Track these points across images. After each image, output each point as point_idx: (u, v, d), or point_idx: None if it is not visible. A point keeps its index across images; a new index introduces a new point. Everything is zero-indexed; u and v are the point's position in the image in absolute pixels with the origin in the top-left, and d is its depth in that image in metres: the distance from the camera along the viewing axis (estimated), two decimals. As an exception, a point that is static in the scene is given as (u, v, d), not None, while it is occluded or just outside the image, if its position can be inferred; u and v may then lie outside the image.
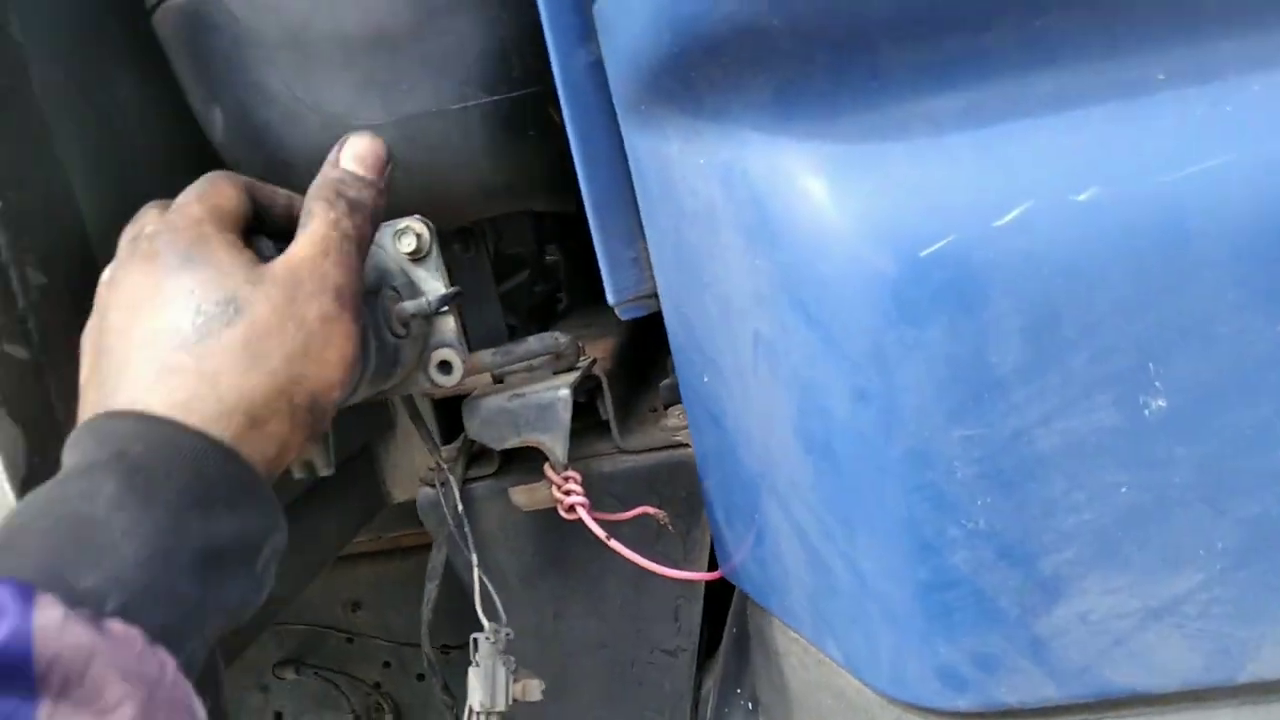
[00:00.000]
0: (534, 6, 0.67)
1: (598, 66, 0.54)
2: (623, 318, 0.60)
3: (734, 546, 0.61)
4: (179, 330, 0.46)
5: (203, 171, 0.54)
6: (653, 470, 0.73)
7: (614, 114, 0.55)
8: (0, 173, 0.55)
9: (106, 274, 0.51)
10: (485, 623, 0.65)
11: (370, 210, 0.54)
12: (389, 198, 0.56)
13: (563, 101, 0.55)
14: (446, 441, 0.85)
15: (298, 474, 0.63)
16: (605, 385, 0.73)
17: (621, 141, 0.55)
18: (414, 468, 1.05)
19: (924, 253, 0.40)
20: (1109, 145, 0.40)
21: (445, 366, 0.61)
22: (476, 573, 0.67)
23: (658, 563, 0.66)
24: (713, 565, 0.73)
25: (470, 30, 0.66)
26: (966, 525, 0.43)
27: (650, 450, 0.74)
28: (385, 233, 0.60)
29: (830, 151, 0.43)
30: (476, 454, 0.78)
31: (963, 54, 0.41)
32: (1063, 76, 0.41)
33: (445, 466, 0.69)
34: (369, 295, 0.56)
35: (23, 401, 0.56)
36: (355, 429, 0.93)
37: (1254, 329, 0.39)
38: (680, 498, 0.73)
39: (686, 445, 0.73)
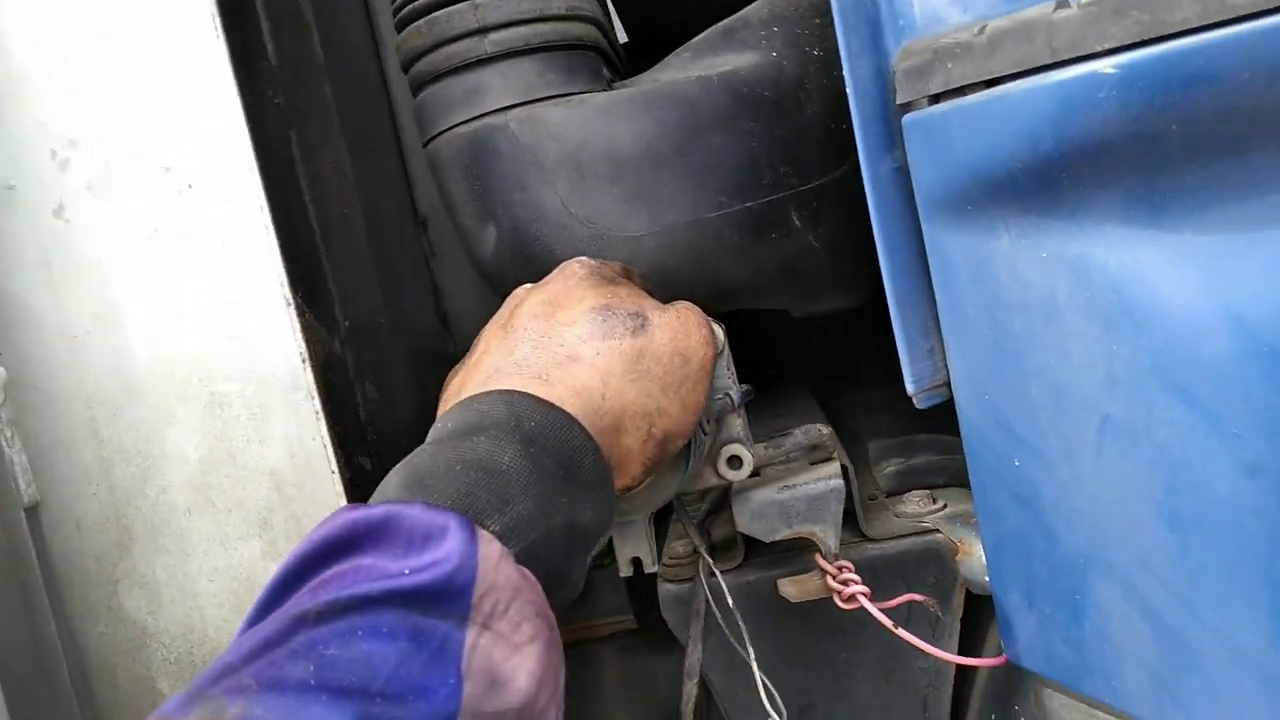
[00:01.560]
0: (783, 121, 0.72)
1: (901, 171, 0.58)
2: (920, 406, 0.62)
3: (1036, 630, 0.61)
4: (589, 326, 0.52)
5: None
6: (902, 557, 0.74)
7: (914, 214, 0.58)
8: (344, 295, 0.59)
9: (522, 290, 0.57)
10: (773, 715, 0.65)
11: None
12: None
13: (870, 204, 0.58)
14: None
15: (624, 572, 0.64)
16: (851, 475, 0.74)
17: (920, 239, 0.59)
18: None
19: (1318, 332, 0.43)
20: None
21: (735, 461, 0.64)
22: (756, 670, 0.67)
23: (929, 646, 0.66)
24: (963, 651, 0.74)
25: (728, 145, 0.71)
26: (1367, 594, 0.44)
27: (897, 537, 0.75)
28: (682, 333, 0.63)
29: (1201, 242, 0.46)
30: (712, 548, 0.79)
31: (1332, 150, 0.44)
32: None
33: (711, 562, 0.71)
34: None
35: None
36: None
37: None
38: (930, 583, 0.74)
39: (935, 531, 0.74)
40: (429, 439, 0.47)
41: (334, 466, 0.56)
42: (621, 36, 1.60)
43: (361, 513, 0.39)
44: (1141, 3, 0.41)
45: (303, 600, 0.36)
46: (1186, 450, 0.47)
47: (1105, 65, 0.43)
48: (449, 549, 0.38)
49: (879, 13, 0.57)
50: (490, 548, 0.40)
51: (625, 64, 0.93)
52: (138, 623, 0.59)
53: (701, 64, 0.73)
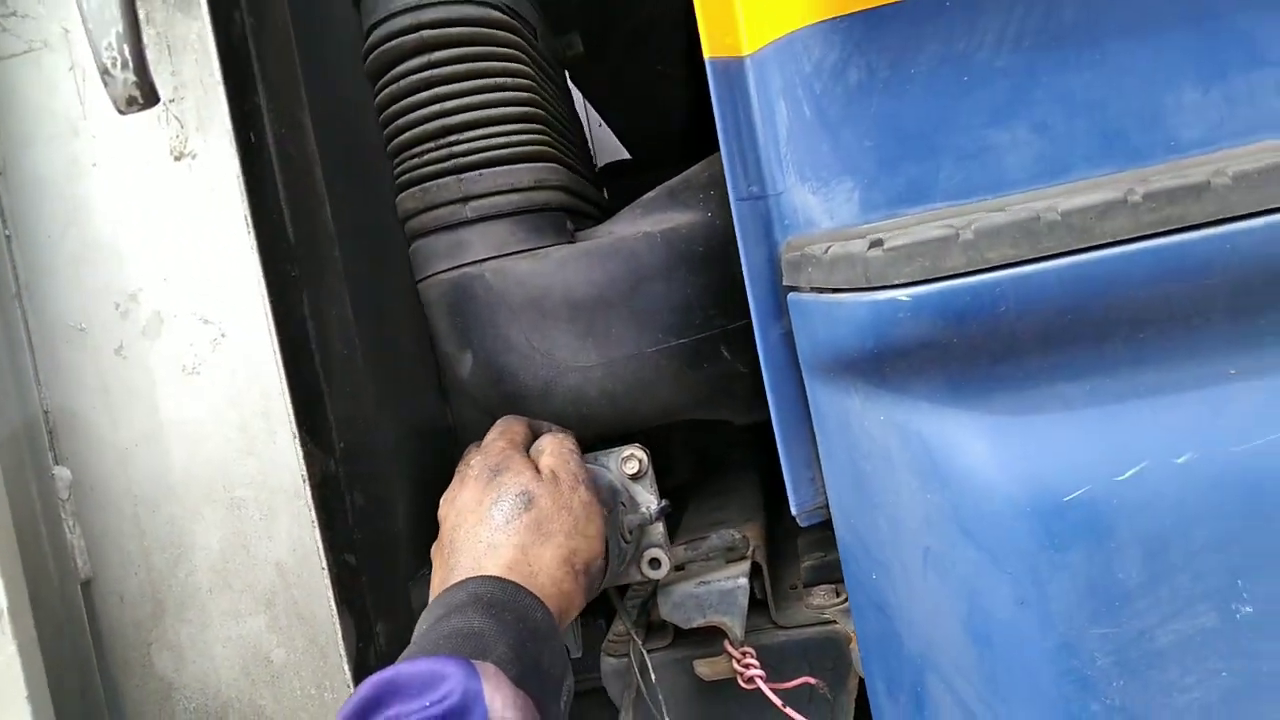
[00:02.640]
0: (714, 271, 0.86)
1: (788, 336, 0.72)
2: (802, 524, 0.75)
3: (893, 716, 0.74)
4: (494, 518, 0.67)
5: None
6: (805, 644, 0.87)
7: (798, 371, 0.72)
8: (341, 422, 0.74)
9: (446, 496, 0.72)
10: (683, 777, 0.78)
11: (574, 443, 0.77)
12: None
13: (763, 363, 0.72)
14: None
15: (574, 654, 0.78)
16: (765, 571, 0.88)
17: (804, 391, 0.73)
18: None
19: (1066, 498, 0.56)
20: (1199, 423, 0.56)
21: (655, 563, 0.77)
22: (671, 732, 0.80)
23: (821, 726, 0.79)
24: (857, 729, 0.86)
25: (666, 291, 0.85)
26: (1105, 702, 0.57)
27: (801, 626, 0.88)
28: (612, 457, 0.77)
29: (989, 421, 0.59)
30: (650, 629, 0.92)
31: (1087, 356, 0.58)
32: (1160, 372, 0.57)
33: (639, 642, 0.84)
34: (606, 506, 0.73)
35: (351, 596, 0.73)
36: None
37: (1314, 559, 0.54)
38: (828, 668, 0.87)
39: (834, 622, 0.87)
40: (414, 635, 0.61)
41: (324, 562, 0.71)
42: (621, 151, 1.77)
43: (382, 675, 0.53)
44: (925, 251, 0.56)
45: None
46: (978, 581, 0.60)
47: (901, 294, 0.57)
48: (454, 679, 0.51)
49: (769, 212, 0.71)
50: (486, 668, 0.53)
51: (599, 203, 1.08)
52: (165, 678, 0.74)
53: (649, 220, 0.88)
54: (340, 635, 0.70)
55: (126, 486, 0.73)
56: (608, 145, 1.88)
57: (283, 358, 0.69)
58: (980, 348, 0.58)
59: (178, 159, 0.69)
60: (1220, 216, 0.55)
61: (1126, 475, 0.56)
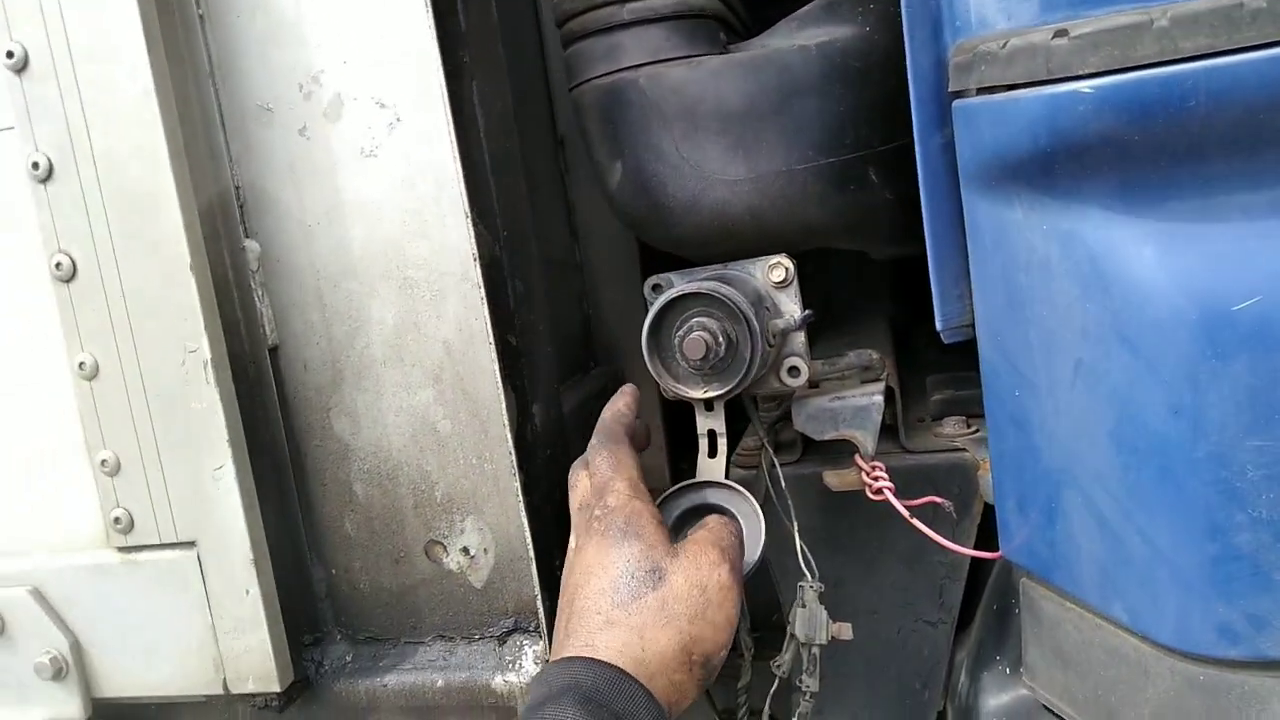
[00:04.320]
0: (870, 89, 0.84)
1: (949, 146, 0.71)
2: (946, 341, 0.75)
3: (1023, 530, 0.75)
4: (618, 591, 0.64)
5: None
6: (933, 468, 0.88)
7: (957, 182, 0.71)
8: (505, 211, 0.78)
9: (573, 542, 0.71)
10: (807, 574, 0.82)
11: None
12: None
13: (920, 172, 0.71)
14: (681, 442, 1.03)
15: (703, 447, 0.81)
16: (897, 396, 0.89)
17: (960, 204, 0.72)
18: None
19: (1236, 308, 0.55)
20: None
21: (794, 371, 0.79)
22: (797, 537, 0.84)
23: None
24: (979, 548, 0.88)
25: (818, 107, 0.84)
26: (1252, 513, 0.57)
27: (930, 452, 0.89)
28: (759, 265, 0.79)
29: (1163, 228, 0.58)
30: (778, 447, 0.95)
31: (1273, 163, 0.55)
32: (1356, 182, 0.54)
33: (772, 452, 0.87)
34: (750, 309, 0.74)
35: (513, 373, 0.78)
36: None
37: None
38: (954, 493, 0.88)
39: (964, 450, 0.88)
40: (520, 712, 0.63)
41: (490, 339, 0.76)
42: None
43: None
44: (1114, 40, 0.53)
45: None
46: (1132, 391, 0.60)
47: (1084, 85, 0.55)
48: None
49: (940, 12, 0.69)
50: None
51: (747, 23, 1.06)
52: (342, 440, 0.82)
53: (804, 34, 0.86)
54: (504, 409, 0.76)
55: (310, 261, 0.79)
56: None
57: (456, 142, 0.72)
58: (1162, 148, 0.56)
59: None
60: None
61: (1306, 287, 0.54)
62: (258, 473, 0.76)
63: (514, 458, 0.77)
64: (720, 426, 0.79)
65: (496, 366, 0.75)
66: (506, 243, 0.78)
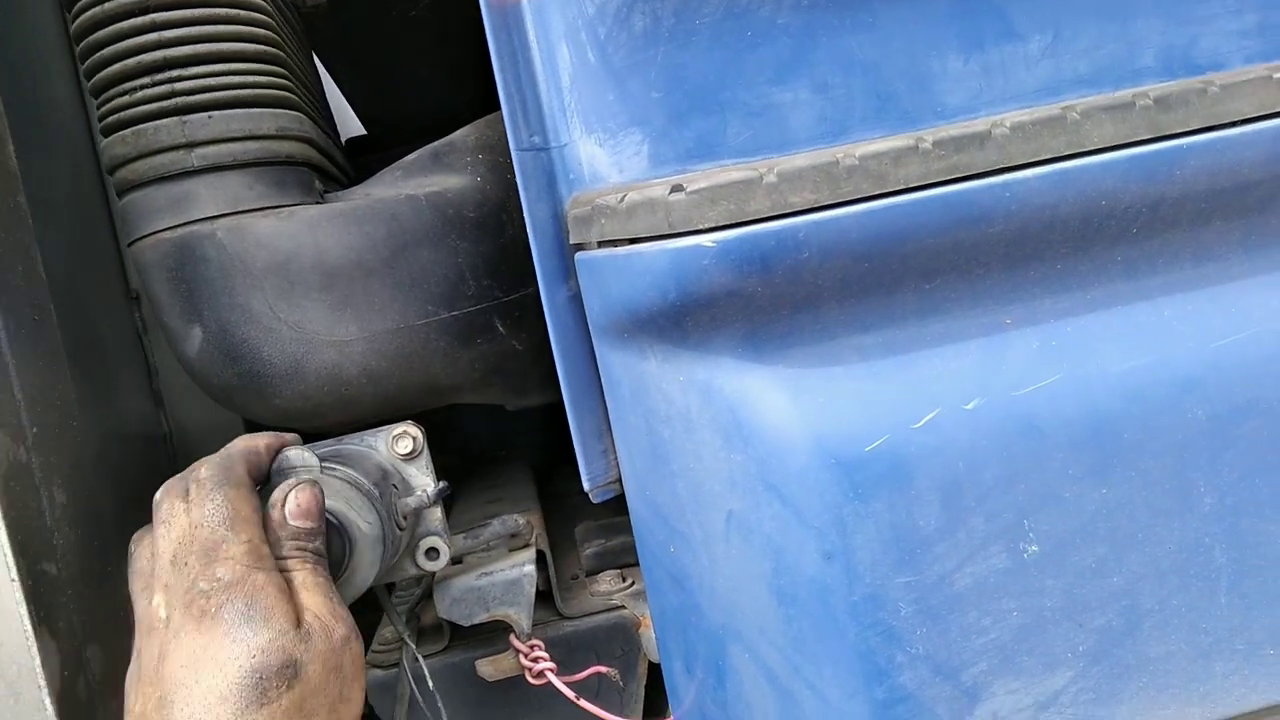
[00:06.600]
0: (487, 239, 0.80)
1: (576, 298, 0.67)
2: (595, 500, 0.70)
3: (693, 693, 0.71)
4: (243, 697, 0.50)
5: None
6: (593, 632, 0.82)
7: (588, 335, 0.68)
8: (31, 399, 0.59)
9: (151, 611, 0.54)
10: (468, 791, 0.70)
11: (324, 553, 0.60)
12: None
13: (550, 327, 0.67)
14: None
15: None
16: (549, 559, 0.82)
17: (594, 358, 0.68)
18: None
19: (868, 448, 0.56)
20: (982, 370, 0.58)
21: (432, 553, 0.69)
22: (454, 744, 0.72)
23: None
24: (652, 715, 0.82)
25: (435, 259, 0.78)
26: (910, 651, 0.57)
27: (588, 615, 0.83)
28: (381, 436, 0.68)
29: (790, 375, 0.58)
30: (420, 632, 0.83)
31: (879, 307, 0.58)
32: (946, 322, 0.58)
33: (414, 647, 0.75)
34: (375, 490, 0.64)
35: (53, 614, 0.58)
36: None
37: (1088, 494, 0.57)
38: (618, 655, 0.83)
39: (622, 608, 0.83)
40: None
41: (14, 574, 0.56)
42: (358, 129, 1.64)
43: None
44: (728, 194, 0.53)
45: None
46: (784, 539, 0.58)
47: (706, 239, 0.53)
48: None
49: (553, 165, 0.66)
50: None
51: (347, 170, 0.98)
52: None
53: (412, 183, 0.80)
54: (39, 665, 0.55)
55: None
56: (344, 122, 1.74)
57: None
58: (782, 297, 0.56)
59: None
60: (1000, 166, 0.56)
61: (922, 422, 0.56)
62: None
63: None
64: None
65: (25, 610, 0.55)
66: (36, 441, 0.59)
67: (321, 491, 0.60)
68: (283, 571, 0.56)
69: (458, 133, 0.83)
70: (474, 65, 1.39)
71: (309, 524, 0.59)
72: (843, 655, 0.58)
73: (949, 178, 0.55)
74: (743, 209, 0.53)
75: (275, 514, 0.58)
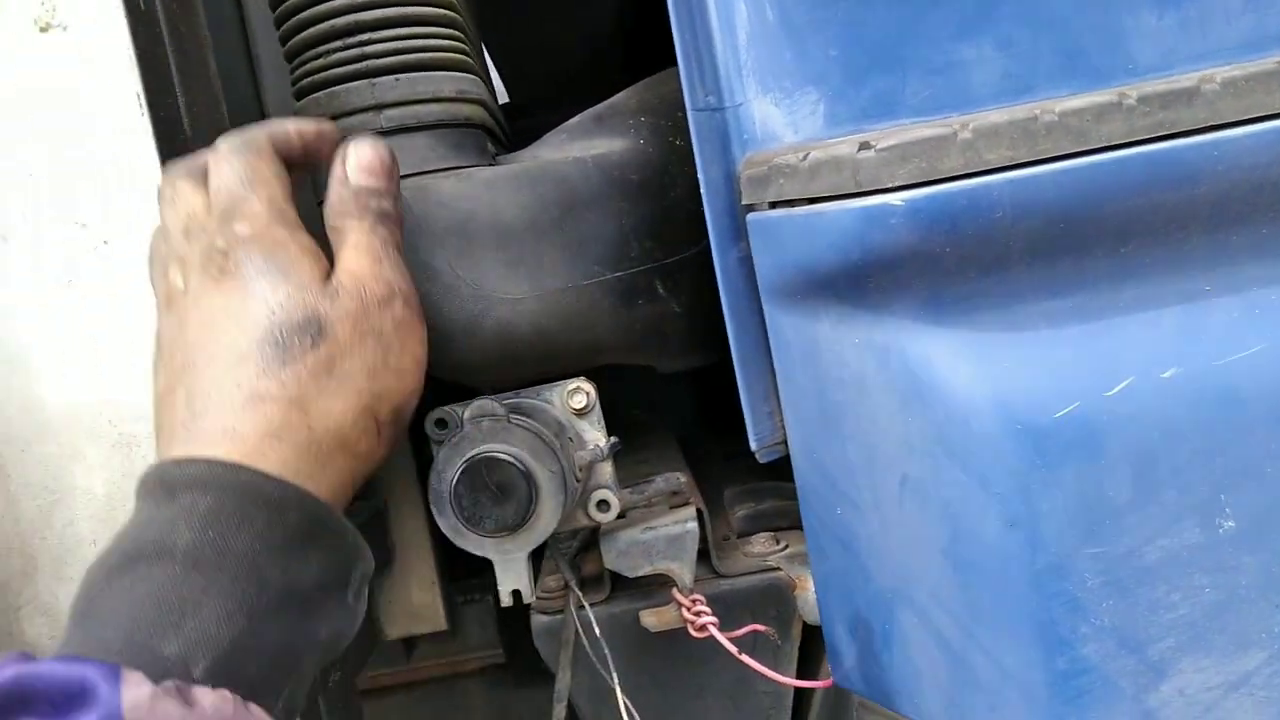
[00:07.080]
0: (649, 202, 0.81)
1: (746, 260, 0.68)
2: (761, 461, 0.71)
3: (856, 656, 0.71)
4: (263, 355, 0.45)
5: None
6: (749, 591, 0.83)
7: (757, 297, 0.68)
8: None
9: (169, 286, 0.50)
10: (631, 733, 0.73)
11: (395, 216, 0.55)
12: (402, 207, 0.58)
13: (720, 288, 0.68)
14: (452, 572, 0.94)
15: (505, 602, 0.70)
16: (706, 518, 0.83)
17: (763, 317, 0.68)
18: (411, 605, 1.10)
19: (1057, 415, 0.54)
20: (1179, 337, 0.55)
21: (603, 505, 0.72)
22: (620, 694, 0.75)
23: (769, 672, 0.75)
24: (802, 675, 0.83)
25: (600, 220, 0.79)
26: (1094, 623, 0.55)
27: (744, 574, 0.84)
28: (556, 391, 0.71)
29: (976, 339, 0.57)
30: (582, 581, 0.86)
31: (1070, 271, 0.56)
32: (1141, 287, 0.56)
33: (580, 595, 0.78)
34: (556, 441, 0.66)
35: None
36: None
37: (1297, 468, 0.54)
38: (772, 615, 0.84)
39: (777, 569, 0.84)
40: (95, 567, 0.41)
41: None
42: (503, 96, 1.68)
43: (20, 672, 0.35)
44: (921, 152, 0.52)
45: None
46: (963, 506, 0.58)
47: (894, 198, 0.53)
48: (105, 706, 0.34)
49: (727, 126, 0.66)
50: (136, 693, 0.35)
51: (509, 134, 1.01)
52: (37, 647, 0.63)
53: (577, 146, 0.81)
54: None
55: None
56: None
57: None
58: (969, 259, 0.55)
59: (44, 30, 0.57)
60: (1210, 123, 0.53)
61: (1115, 390, 0.54)
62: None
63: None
64: (526, 586, 0.69)
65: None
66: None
67: (390, 149, 0.55)
68: (338, 232, 0.51)
69: (618, 96, 0.84)
70: (611, 32, 1.40)
71: (374, 182, 0.53)
72: (1023, 624, 0.57)
73: (1155, 134, 0.53)
74: (935, 167, 0.52)
75: (338, 170, 0.53)
